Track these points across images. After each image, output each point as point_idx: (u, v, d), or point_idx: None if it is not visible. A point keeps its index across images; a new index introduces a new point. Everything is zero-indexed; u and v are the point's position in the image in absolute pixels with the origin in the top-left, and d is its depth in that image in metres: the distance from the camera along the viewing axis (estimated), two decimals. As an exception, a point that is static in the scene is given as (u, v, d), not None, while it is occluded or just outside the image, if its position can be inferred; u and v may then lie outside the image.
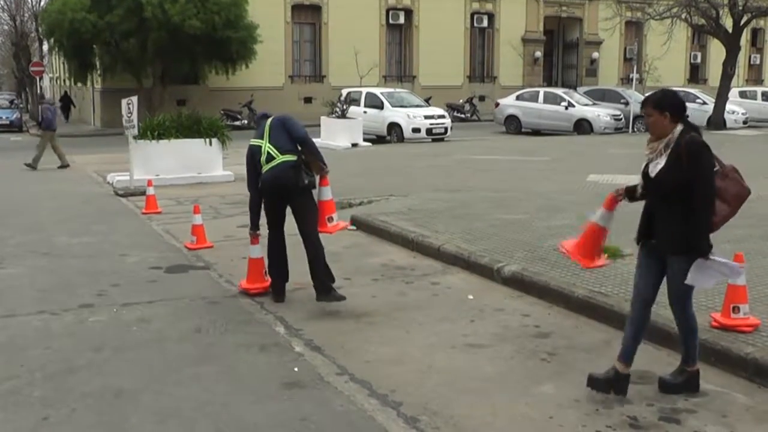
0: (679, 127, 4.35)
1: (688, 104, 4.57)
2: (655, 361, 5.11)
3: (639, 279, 4.59)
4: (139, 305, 6.57)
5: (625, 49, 41.50)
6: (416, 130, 23.58)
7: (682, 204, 4.29)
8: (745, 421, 4.27)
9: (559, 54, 43.13)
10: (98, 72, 30.91)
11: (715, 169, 4.33)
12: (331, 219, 6.69)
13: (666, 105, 4.37)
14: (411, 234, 8.79)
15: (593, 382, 4.57)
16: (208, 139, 14.62)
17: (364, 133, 22.33)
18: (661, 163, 4.36)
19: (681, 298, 4.50)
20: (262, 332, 5.87)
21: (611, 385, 4.53)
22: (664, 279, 4.51)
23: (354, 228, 9.87)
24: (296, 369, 5.07)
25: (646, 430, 4.16)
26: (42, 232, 9.90)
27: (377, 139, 23.53)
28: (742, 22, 27.44)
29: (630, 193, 4.67)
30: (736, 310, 5.29)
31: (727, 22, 27.34)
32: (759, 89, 33.77)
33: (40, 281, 7.43)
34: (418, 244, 8.52)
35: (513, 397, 4.59)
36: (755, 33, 46.70)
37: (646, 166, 4.47)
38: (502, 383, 4.83)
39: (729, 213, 4.41)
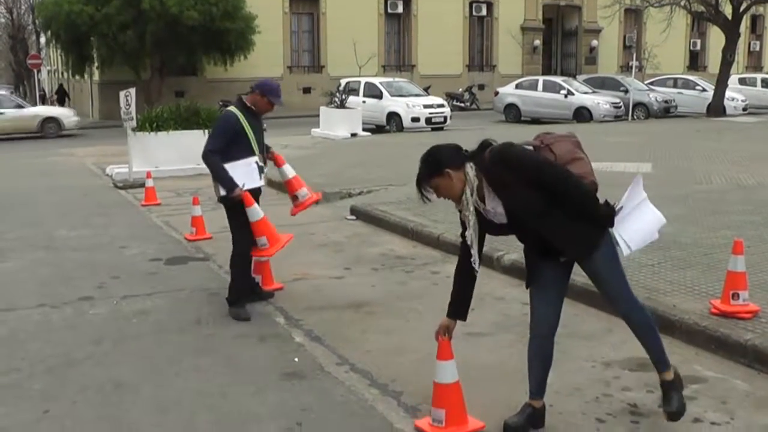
0: (469, 166, 3.67)
1: (687, 92, 4.41)
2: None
3: (539, 309, 3.96)
4: (139, 297, 6.57)
5: (625, 36, 41.40)
6: (415, 120, 23.54)
7: (558, 209, 3.62)
8: (744, 408, 4.27)
9: (558, 42, 43.04)
10: (96, 64, 30.84)
11: (534, 149, 3.75)
12: (295, 198, 6.58)
13: (440, 165, 3.69)
14: (410, 223, 8.79)
15: (512, 429, 3.96)
16: (206, 131, 14.57)
17: (363, 123, 22.29)
18: (497, 204, 3.69)
19: (622, 292, 3.87)
20: (261, 323, 5.88)
21: (532, 423, 4.02)
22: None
23: (353, 218, 9.87)
24: (296, 359, 5.08)
25: (646, 417, 4.17)
26: (41, 226, 9.89)
27: (376, 129, 23.50)
28: (742, 9, 27.34)
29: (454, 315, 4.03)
30: (735, 296, 5.29)
31: (727, 9, 27.24)
32: (758, 76, 33.69)
33: (40, 274, 7.43)
34: (417, 233, 8.52)
35: (513, 386, 4.58)
36: (755, 20, 46.60)
37: (482, 223, 3.79)
38: (502, 372, 4.83)
39: (587, 161, 3.83)
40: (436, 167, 3.67)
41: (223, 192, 5.92)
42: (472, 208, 3.70)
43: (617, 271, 3.82)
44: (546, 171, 3.59)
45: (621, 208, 3.73)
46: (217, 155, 5.87)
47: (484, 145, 3.73)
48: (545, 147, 3.75)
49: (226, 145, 5.86)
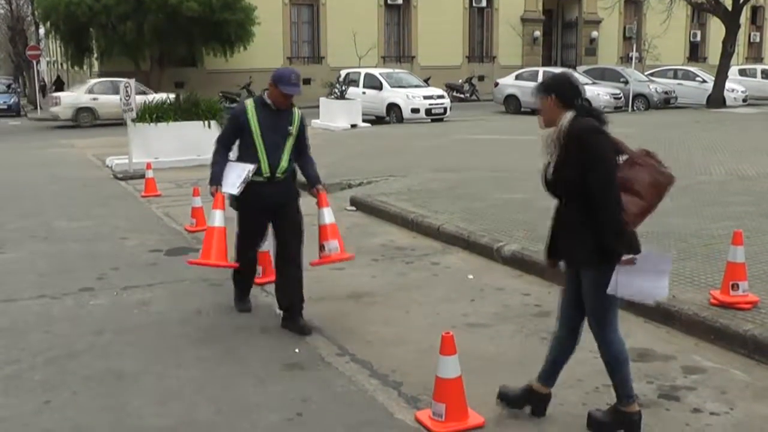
0: (570, 114, 3.64)
1: (687, 83, 4.34)
2: (656, 339, 5.13)
3: (561, 310, 4.01)
4: (140, 288, 6.58)
5: (625, 27, 41.25)
6: (415, 111, 23.50)
7: (582, 206, 3.62)
8: (744, 398, 4.29)
9: (558, 33, 42.91)
10: (95, 55, 30.74)
11: (623, 157, 3.68)
12: (322, 248, 5.59)
13: (552, 87, 3.71)
14: (411, 214, 8.79)
15: (504, 396, 4.08)
16: (206, 122, 14.57)
17: (363, 114, 22.26)
18: (553, 160, 3.71)
19: (598, 320, 3.79)
20: (262, 314, 5.89)
21: (529, 401, 4.05)
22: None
23: (353, 209, 9.87)
24: (297, 350, 5.09)
25: (646, 407, 4.17)
26: (41, 217, 9.89)
27: (376, 120, 23.46)
28: (742, 0, 27.27)
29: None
30: (735, 287, 5.30)
31: (727, 1, 27.17)
32: (759, 67, 33.63)
33: (40, 265, 7.43)
34: (417, 224, 8.52)
35: (514, 376, 4.59)
36: (755, 11, 46.46)
37: (545, 165, 3.77)
38: (503, 362, 4.85)
39: (646, 206, 3.62)
40: (549, 87, 3.74)
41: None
42: (544, 146, 3.76)
43: (600, 302, 3.72)
44: (598, 171, 3.55)
45: (637, 258, 3.57)
46: (222, 146, 5.52)
47: (593, 111, 3.75)
48: (631, 162, 3.67)
49: (230, 137, 5.48)
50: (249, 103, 5.40)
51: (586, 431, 3.96)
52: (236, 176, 5.34)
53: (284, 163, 5.35)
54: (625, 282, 3.58)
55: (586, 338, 5.20)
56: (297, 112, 5.43)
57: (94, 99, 25.44)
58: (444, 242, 7.93)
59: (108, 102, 24.29)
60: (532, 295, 6.21)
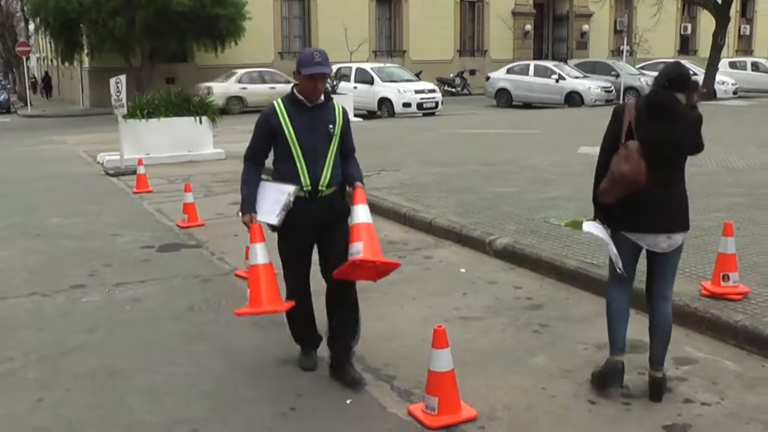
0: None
1: None
2: (647, 330, 5.13)
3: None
4: (132, 285, 6.56)
5: (616, 21, 41.34)
6: (407, 105, 23.51)
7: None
8: (734, 388, 4.31)
9: (550, 27, 42.93)
10: (86, 51, 30.61)
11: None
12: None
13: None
14: (403, 208, 8.79)
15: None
16: (197, 117, 14.54)
17: (354, 109, 22.22)
18: None
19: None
20: (255, 309, 5.87)
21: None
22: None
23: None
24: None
25: (637, 398, 4.20)
26: (32, 214, 9.86)
27: (368, 115, 23.47)
28: (732, -7, 27.33)
29: None
30: (725, 278, 5.33)
31: (717, -7, 27.23)
32: (748, 60, 33.78)
33: (32, 263, 7.41)
34: (410, 218, 8.53)
35: (506, 369, 4.62)
36: (745, 3, 46.59)
37: None
38: (495, 355, 4.86)
39: (608, 187, 4.01)
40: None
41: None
42: None
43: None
44: (605, 136, 4.19)
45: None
46: (252, 161, 4.53)
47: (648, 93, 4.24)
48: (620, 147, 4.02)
49: (260, 149, 4.49)
50: (278, 102, 4.41)
51: (578, 423, 3.97)
52: (273, 201, 4.36)
53: (327, 172, 4.33)
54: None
55: (573, 331, 5.23)
56: (338, 107, 4.45)
57: (243, 88, 27.53)
58: (436, 236, 7.94)
59: (256, 91, 27.05)
60: (524, 288, 6.23)
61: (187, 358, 4.93)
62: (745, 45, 47.29)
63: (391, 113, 23.60)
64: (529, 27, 40.30)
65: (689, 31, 44.55)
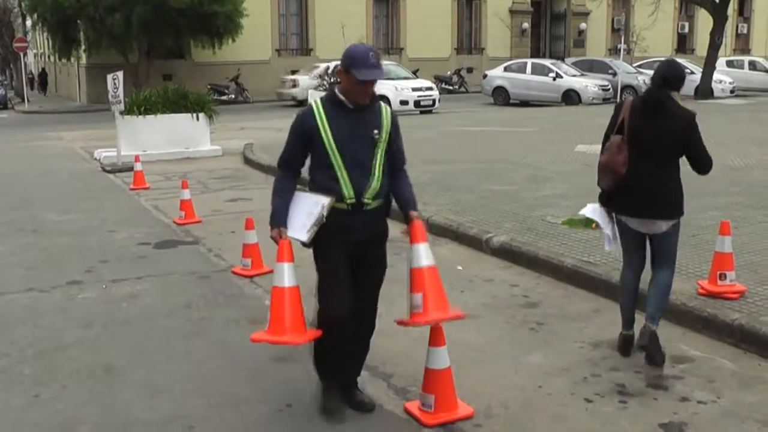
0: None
1: None
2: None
3: None
4: (129, 281, 6.55)
5: (613, 19, 41.33)
6: (404, 103, 23.48)
7: None
8: (731, 387, 4.32)
9: (547, 25, 42.92)
10: (83, 47, 30.56)
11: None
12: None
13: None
14: (400, 207, 8.77)
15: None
16: (195, 114, 14.52)
17: (351, 106, 22.21)
18: None
19: None
20: (252, 306, 5.88)
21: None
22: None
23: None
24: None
25: (634, 396, 4.21)
26: (29, 210, 9.84)
27: (365, 112, 23.41)
28: (729, -9, 27.34)
29: None
30: (722, 277, 5.34)
31: (715, -8, 27.24)
32: (746, 58, 33.81)
33: (28, 259, 7.40)
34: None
35: (502, 367, 4.62)
36: (742, 2, 46.62)
37: None
38: (492, 353, 4.86)
39: (598, 174, 4.61)
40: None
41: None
42: None
43: None
44: (606, 129, 4.64)
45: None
46: (285, 169, 4.00)
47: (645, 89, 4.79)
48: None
49: (295, 155, 3.95)
50: (316, 103, 3.89)
51: (575, 421, 3.98)
52: (305, 214, 3.83)
53: (375, 183, 3.82)
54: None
55: (570, 329, 5.23)
56: (385, 110, 3.89)
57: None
58: (433, 234, 7.92)
59: None
60: (521, 285, 6.23)
61: (184, 355, 4.92)
62: (743, 44, 47.34)
63: (389, 111, 23.57)
64: (526, 25, 40.30)
65: (687, 30, 44.57)
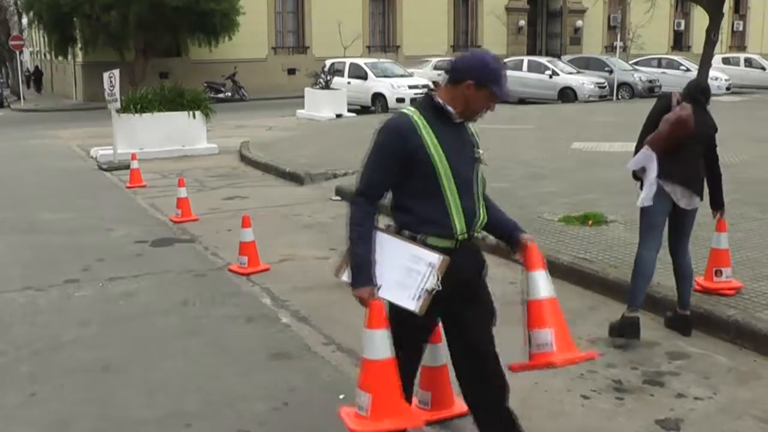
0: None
1: (671, 71, 4.82)
2: (641, 325, 5.16)
3: None
4: (125, 279, 6.55)
5: (609, 17, 41.29)
6: (400, 100, 23.42)
7: None
8: (727, 383, 4.33)
9: (543, 23, 42.92)
10: (79, 45, 30.51)
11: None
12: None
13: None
14: (396, 204, 8.77)
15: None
16: (191, 112, 14.51)
17: (348, 104, 22.22)
18: None
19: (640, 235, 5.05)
20: (248, 304, 5.88)
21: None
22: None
23: (339, 198, 9.87)
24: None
25: (630, 393, 4.22)
26: (25, 208, 9.83)
27: (361, 110, 23.42)
28: (726, -11, 27.34)
29: None
30: (718, 273, 5.35)
31: (711, -11, 27.24)
32: (742, 56, 33.85)
33: (25, 258, 7.39)
34: (403, 214, 8.51)
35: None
36: (738, 0, 46.66)
37: None
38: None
39: (664, 132, 4.84)
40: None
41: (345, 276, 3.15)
42: None
43: (641, 221, 5.02)
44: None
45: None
46: (369, 200, 3.11)
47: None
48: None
49: (386, 180, 3.09)
50: (415, 113, 3.09)
51: (571, 417, 3.99)
52: (404, 271, 3.01)
53: (482, 211, 3.20)
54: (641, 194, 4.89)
55: (570, 325, 5.23)
56: (471, 127, 3.25)
57: (440, 75, 26.35)
58: (430, 231, 7.93)
59: None
60: (518, 283, 6.23)
61: (181, 353, 4.92)
62: (739, 41, 47.40)
63: (385, 108, 23.53)
64: (522, 23, 40.29)
65: (682, 27, 44.59)
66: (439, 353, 3.92)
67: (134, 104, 14.17)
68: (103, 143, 14.73)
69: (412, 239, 3.03)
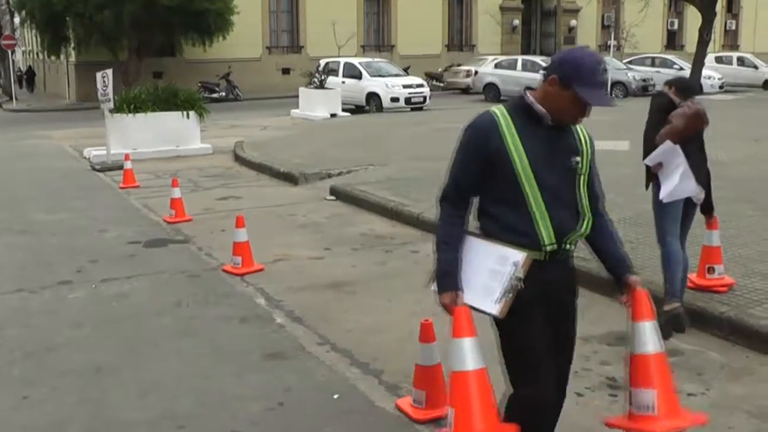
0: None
1: (665, 70, 4.95)
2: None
3: None
4: (119, 280, 6.53)
5: (603, 16, 41.42)
6: (395, 100, 23.46)
7: None
8: (720, 379, 4.35)
9: (537, 22, 42.97)
10: (72, 45, 30.42)
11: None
12: None
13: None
14: (390, 203, 8.80)
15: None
16: (185, 112, 14.48)
17: (342, 104, 22.21)
18: None
19: (657, 228, 5.19)
20: (242, 304, 5.87)
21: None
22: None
23: (333, 198, 9.86)
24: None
25: (624, 390, 4.21)
26: (18, 209, 9.79)
27: (356, 109, 23.41)
28: (718, -12, 27.41)
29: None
30: (711, 270, 5.37)
31: (703, -12, 27.31)
32: (734, 54, 33.95)
33: (18, 259, 7.36)
34: (397, 212, 8.53)
35: (493, 362, 4.60)
36: (730, -1, 46.83)
37: None
38: (482, 348, 4.86)
39: (680, 126, 4.91)
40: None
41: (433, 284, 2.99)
42: None
43: (656, 213, 5.15)
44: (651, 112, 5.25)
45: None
46: (454, 204, 3.04)
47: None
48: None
49: (470, 183, 2.97)
50: (499, 112, 2.91)
51: (565, 415, 3.98)
52: (489, 274, 2.88)
53: (585, 225, 2.93)
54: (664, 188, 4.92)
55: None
56: (582, 131, 2.98)
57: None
58: (424, 230, 7.94)
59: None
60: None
61: (174, 354, 4.91)
62: (731, 40, 47.51)
63: (380, 108, 23.55)
64: (516, 22, 40.33)
65: (676, 27, 44.70)
66: (433, 353, 3.93)
67: (128, 104, 14.13)
68: (97, 143, 14.69)
69: None
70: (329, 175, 11.13)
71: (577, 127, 2.94)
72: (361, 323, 5.40)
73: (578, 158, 2.89)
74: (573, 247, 2.94)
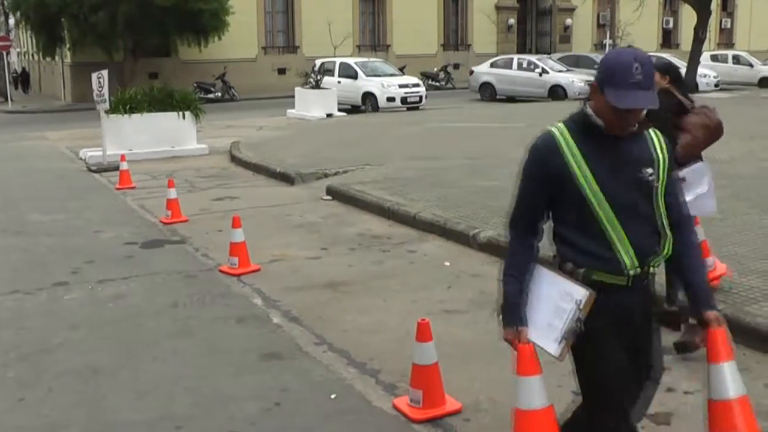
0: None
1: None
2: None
3: None
4: (115, 281, 6.52)
5: (598, 15, 41.48)
6: (391, 99, 23.47)
7: None
8: (716, 378, 4.34)
9: (533, 21, 43.01)
10: (67, 46, 30.35)
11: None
12: None
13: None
14: (387, 203, 8.79)
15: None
16: (181, 113, 14.46)
17: (338, 103, 22.21)
18: None
19: None
20: (239, 305, 5.87)
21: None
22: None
23: (330, 198, 9.86)
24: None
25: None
26: (14, 210, 9.77)
27: (352, 109, 23.41)
28: (713, -14, 27.49)
29: None
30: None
31: (698, -14, 27.37)
32: (730, 53, 34.03)
33: (13, 260, 7.35)
34: (394, 212, 8.53)
35: (490, 362, 4.63)
36: (725, -3, 46.91)
37: None
38: (479, 348, 4.87)
39: (701, 138, 4.88)
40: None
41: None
42: None
43: None
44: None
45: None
46: (521, 233, 2.90)
47: None
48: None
49: (536, 208, 2.82)
50: (559, 130, 2.77)
51: (565, 415, 3.98)
52: (553, 311, 2.71)
53: (667, 245, 2.71)
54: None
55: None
56: (656, 138, 2.72)
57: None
58: (420, 230, 7.95)
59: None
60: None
61: (171, 355, 4.90)
62: (727, 38, 47.61)
63: (375, 108, 23.56)
64: (512, 21, 40.36)
65: (671, 25, 44.77)
66: (430, 352, 3.92)
67: (123, 105, 14.10)
68: (92, 144, 14.67)
69: (571, 274, 2.67)
70: (326, 175, 11.12)
71: (651, 132, 2.71)
72: (358, 323, 5.40)
73: (651, 169, 2.63)
74: (656, 270, 2.72)
